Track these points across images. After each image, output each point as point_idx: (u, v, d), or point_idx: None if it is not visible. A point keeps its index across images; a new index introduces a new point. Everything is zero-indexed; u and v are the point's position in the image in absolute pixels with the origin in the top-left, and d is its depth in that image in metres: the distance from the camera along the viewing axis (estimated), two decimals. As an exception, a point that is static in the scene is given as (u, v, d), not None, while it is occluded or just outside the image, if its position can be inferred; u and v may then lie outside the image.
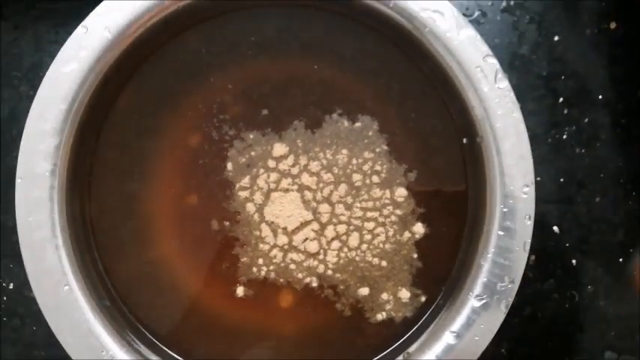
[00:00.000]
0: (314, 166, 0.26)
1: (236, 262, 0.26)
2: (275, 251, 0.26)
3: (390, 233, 0.26)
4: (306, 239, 0.26)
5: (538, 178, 0.29)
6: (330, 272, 0.26)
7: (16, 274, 0.31)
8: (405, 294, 0.26)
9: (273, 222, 0.26)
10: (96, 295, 0.25)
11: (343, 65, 0.27)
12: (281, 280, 0.26)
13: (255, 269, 0.26)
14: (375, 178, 0.26)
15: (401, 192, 0.26)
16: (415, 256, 0.26)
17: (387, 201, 0.26)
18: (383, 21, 0.25)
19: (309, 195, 0.26)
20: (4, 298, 0.31)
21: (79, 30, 0.24)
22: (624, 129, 0.32)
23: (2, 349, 0.31)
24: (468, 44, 0.24)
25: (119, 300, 0.26)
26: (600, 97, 0.32)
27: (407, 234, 0.26)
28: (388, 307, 0.26)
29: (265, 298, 0.26)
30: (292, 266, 0.26)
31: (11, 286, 0.31)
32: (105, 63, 0.25)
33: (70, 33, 0.26)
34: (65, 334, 0.24)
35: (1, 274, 0.31)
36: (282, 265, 0.26)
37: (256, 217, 0.26)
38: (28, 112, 0.24)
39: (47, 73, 0.24)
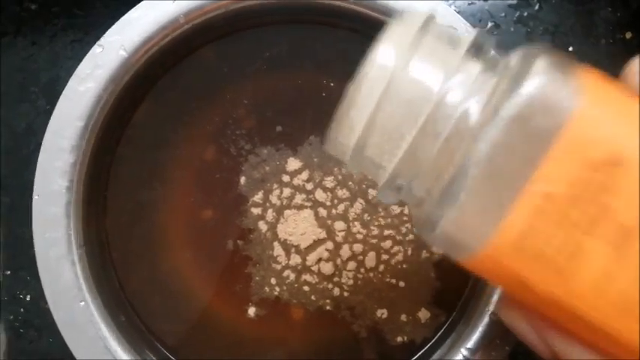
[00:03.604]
0: (329, 181, 0.26)
1: (249, 281, 0.26)
2: (288, 271, 0.26)
3: (409, 252, 0.26)
4: (320, 259, 0.26)
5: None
6: (346, 294, 0.26)
7: (33, 286, 0.31)
8: (424, 314, 0.26)
9: (286, 240, 0.26)
10: (111, 310, 0.25)
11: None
12: (294, 301, 0.26)
13: (267, 289, 0.26)
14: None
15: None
16: (433, 275, 0.26)
17: (405, 218, 0.26)
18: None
19: (323, 212, 0.26)
20: (21, 309, 0.31)
21: (95, 49, 0.24)
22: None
23: (19, 361, 0.31)
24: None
25: (134, 315, 0.26)
26: (616, 107, 0.31)
27: (425, 253, 0.26)
28: (408, 328, 0.26)
29: (278, 318, 0.26)
30: (306, 288, 0.26)
31: (28, 297, 0.31)
32: (121, 81, 0.25)
33: (85, 48, 0.27)
34: (82, 350, 0.24)
35: (18, 286, 0.31)
36: (296, 286, 0.26)
37: (269, 234, 0.26)
38: (45, 126, 0.24)
39: (64, 92, 0.24)
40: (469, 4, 0.31)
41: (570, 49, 0.31)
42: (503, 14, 0.32)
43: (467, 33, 0.24)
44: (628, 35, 0.32)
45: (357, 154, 0.14)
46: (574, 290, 0.12)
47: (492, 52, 0.14)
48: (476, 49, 0.14)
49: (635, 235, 0.12)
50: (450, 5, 0.31)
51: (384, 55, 0.13)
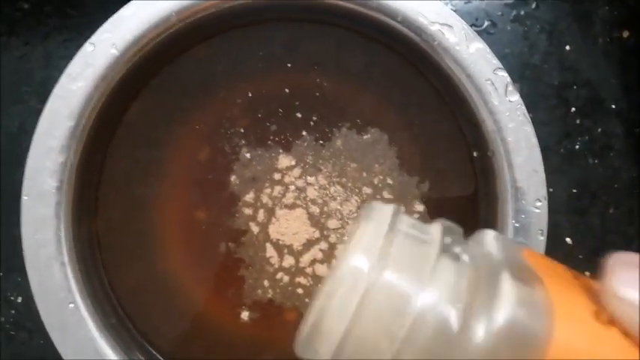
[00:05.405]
0: (322, 179, 0.26)
1: (242, 284, 0.26)
2: (281, 274, 0.26)
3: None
4: (315, 260, 0.26)
5: (551, 189, 0.28)
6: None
7: (24, 287, 0.31)
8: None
9: (278, 240, 0.26)
10: (101, 312, 0.25)
11: (352, 79, 0.27)
12: (288, 303, 0.26)
13: (260, 291, 0.26)
14: (386, 193, 0.26)
15: (416, 207, 0.26)
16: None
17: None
18: (391, 35, 0.25)
19: (315, 210, 0.26)
20: (13, 312, 0.31)
21: (87, 47, 0.24)
22: (638, 139, 0.31)
23: (11, 363, 0.31)
24: (477, 57, 0.24)
25: (125, 317, 0.26)
26: (613, 106, 0.31)
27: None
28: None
29: (272, 321, 0.26)
30: (300, 290, 0.26)
31: (19, 299, 0.31)
32: (112, 79, 0.24)
33: (78, 48, 0.27)
34: (71, 352, 0.23)
35: (10, 288, 0.31)
36: (290, 288, 0.26)
37: (261, 236, 0.26)
38: (37, 126, 0.24)
39: (54, 91, 0.24)
40: (466, 2, 0.31)
41: (567, 47, 0.31)
42: (500, 13, 0.31)
43: (463, 31, 0.24)
44: (625, 34, 0.32)
45: None
46: None
47: (458, 245, 0.14)
48: (445, 247, 0.13)
49: None
50: (446, 4, 0.31)
51: (356, 261, 0.13)
